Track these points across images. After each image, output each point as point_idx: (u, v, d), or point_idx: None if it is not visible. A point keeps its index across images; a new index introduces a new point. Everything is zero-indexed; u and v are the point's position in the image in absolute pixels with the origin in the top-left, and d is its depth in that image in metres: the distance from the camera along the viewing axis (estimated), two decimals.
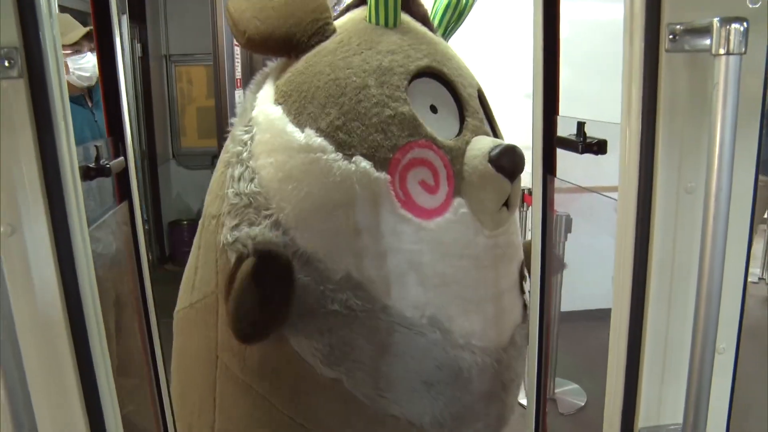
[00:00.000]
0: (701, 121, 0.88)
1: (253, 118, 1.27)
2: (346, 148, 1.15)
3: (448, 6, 1.45)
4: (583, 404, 3.00)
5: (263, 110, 1.26)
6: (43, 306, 0.79)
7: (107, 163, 0.99)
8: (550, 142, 1.18)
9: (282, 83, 1.26)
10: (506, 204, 1.24)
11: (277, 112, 1.22)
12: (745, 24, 0.74)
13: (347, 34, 1.28)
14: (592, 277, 2.76)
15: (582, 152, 1.03)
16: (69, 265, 0.79)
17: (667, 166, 0.88)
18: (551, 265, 1.28)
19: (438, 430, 1.27)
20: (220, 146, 3.26)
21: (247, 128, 1.28)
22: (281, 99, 1.24)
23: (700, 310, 0.83)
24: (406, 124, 1.17)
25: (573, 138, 1.07)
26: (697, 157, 0.89)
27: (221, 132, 3.14)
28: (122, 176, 1.09)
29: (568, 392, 3.00)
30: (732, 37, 0.74)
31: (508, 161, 1.18)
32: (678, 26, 0.82)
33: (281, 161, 1.19)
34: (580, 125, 1.06)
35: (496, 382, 1.33)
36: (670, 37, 0.82)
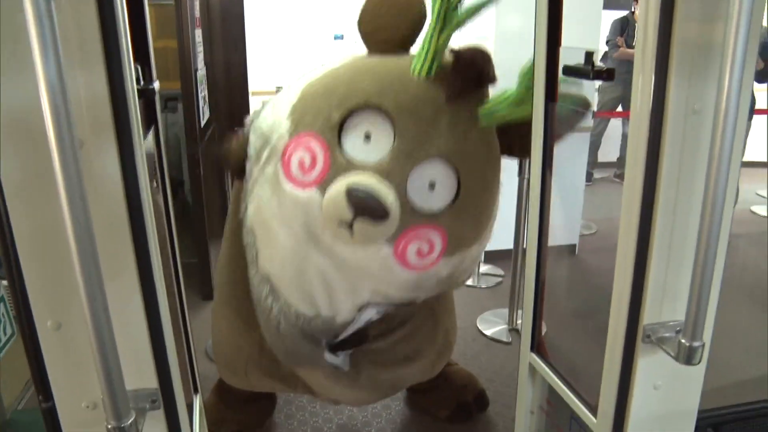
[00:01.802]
0: (710, 48, 0.97)
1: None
2: (293, 111, 1.60)
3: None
4: (542, 334, 3.21)
5: (292, 86, 1.71)
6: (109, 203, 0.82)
7: (151, 86, 1.01)
8: (553, 70, 1.26)
9: (309, 78, 1.71)
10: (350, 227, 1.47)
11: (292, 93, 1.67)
12: None
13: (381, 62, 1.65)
14: (555, 215, 2.94)
15: (592, 79, 1.12)
16: (132, 178, 0.83)
17: (677, 89, 0.98)
18: (549, 192, 1.37)
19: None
20: (184, 87, 3.17)
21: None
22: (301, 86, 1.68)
23: (706, 214, 0.94)
24: (325, 124, 1.53)
25: (582, 66, 1.14)
26: (704, 82, 0.99)
27: (185, 73, 3.07)
28: (149, 102, 1.10)
29: None
30: None
31: (356, 197, 1.44)
32: None
33: None
34: (588, 54, 1.13)
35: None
36: None
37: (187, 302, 1.39)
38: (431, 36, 1.52)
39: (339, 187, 1.46)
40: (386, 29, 1.66)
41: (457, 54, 1.49)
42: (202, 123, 3.27)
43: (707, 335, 1.05)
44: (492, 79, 1.54)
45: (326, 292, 1.65)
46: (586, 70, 1.12)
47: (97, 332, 0.77)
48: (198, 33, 3.30)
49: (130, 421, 0.81)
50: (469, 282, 3.70)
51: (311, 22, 4.48)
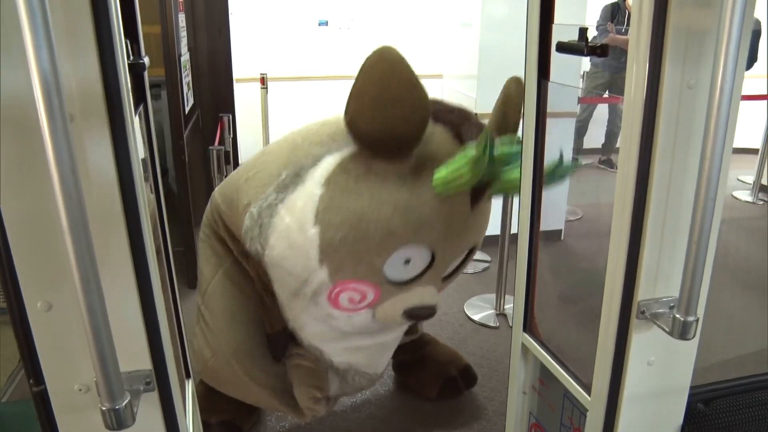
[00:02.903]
0: (704, 25, 0.97)
1: (290, 210, 1.59)
2: (325, 257, 1.57)
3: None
4: None
5: (300, 220, 1.56)
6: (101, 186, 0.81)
7: (141, 60, 0.98)
8: (546, 48, 1.25)
9: (321, 209, 1.54)
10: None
11: (312, 233, 1.56)
12: None
13: (399, 176, 1.54)
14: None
15: (586, 55, 1.11)
16: (124, 149, 0.81)
17: (673, 64, 0.98)
18: (542, 174, 1.37)
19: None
20: (168, 73, 3.12)
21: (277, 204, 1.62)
22: (320, 225, 1.55)
23: (701, 190, 0.94)
24: (370, 269, 1.61)
25: (576, 42, 1.14)
26: (699, 57, 0.99)
27: (169, 59, 3.02)
28: (138, 78, 1.07)
29: None
30: None
31: (416, 315, 1.76)
32: None
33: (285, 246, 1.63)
34: (582, 31, 1.13)
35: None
36: None
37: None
38: (466, 178, 1.49)
39: (393, 311, 1.73)
40: (391, 132, 1.43)
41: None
42: (187, 110, 3.22)
43: (700, 310, 1.06)
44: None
45: (392, 348, 2.13)
46: (580, 46, 1.11)
47: (90, 313, 0.75)
48: (181, 17, 3.25)
49: (124, 402, 0.80)
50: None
51: (295, 7, 4.43)
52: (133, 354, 0.90)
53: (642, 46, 0.98)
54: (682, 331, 1.00)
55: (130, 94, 0.84)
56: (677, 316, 1.00)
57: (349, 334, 1.87)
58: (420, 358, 2.49)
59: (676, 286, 1.06)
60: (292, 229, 1.56)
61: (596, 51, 1.10)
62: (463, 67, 3.90)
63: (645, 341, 1.11)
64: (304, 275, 1.63)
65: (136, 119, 1.08)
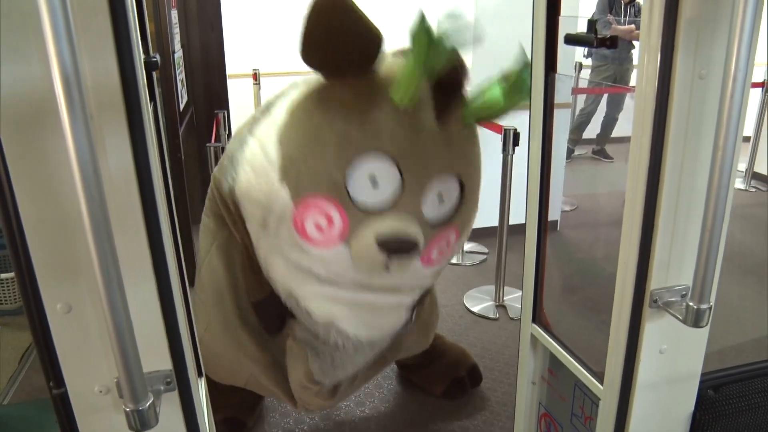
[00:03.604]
0: (715, 15, 0.98)
1: (258, 138, 1.64)
2: (285, 175, 1.54)
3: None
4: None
5: (263, 143, 1.62)
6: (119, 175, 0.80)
7: (154, 57, 0.97)
8: (552, 40, 1.26)
9: (283, 130, 1.59)
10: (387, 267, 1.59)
11: (273, 153, 1.58)
12: None
13: (356, 92, 1.54)
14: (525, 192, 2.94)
15: (596, 47, 1.11)
16: (143, 150, 0.80)
17: (684, 54, 0.98)
18: (550, 165, 1.38)
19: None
20: (162, 70, 3.09)
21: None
22: (280, 145, 1.58)
23: (714, 178, 0.95)
24: (332, 185, 1.52)
25: (585, 35, 1.14)
26: (710, 47, 0.99)
27: (163, 56, 3.00)
28: (149, 76, 1.06)
29: (516, 299, 3.24)
30: None
31: (391, 246, 1.54)
32: None
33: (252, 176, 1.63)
34: (591, 23, 1.13)
35: (367, 356, 1.96)
36: None
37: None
38: (414, 69, 1.46)
39: (366, 240, 1.54)
40: (344, 53, 1.49)
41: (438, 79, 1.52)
42: (181, 107, 3.20)
43: (713, 298, 1.07)
44: (467, 81, 1.61)
45: (384, 316, 1.87)
46: (590, 38, 1.11)
47: (113, 314, 0.75)
48: (174, 14, 3.23)
49: (148, 403, 0.80)
50: (454, 260, 3.72)
51: (288, 2, 4.40)
52: (154, 354, 0.89)
53: (653, 37, 0.98)
54: (695, 319, 1.01)
55: (146, 90, 0.83)
56: (690, 304, 1.01)
57: (325, 280, 1.71)
58: (427, 356, 2.46)
59: (688, 275, 1.08)
60: (256, 153, 1.62)
61: (606, 42, 1.10)
62: None
63: (657, 330, 1.12)
64: (267, 201, 1.60)
65: (152, 123, 1.08)
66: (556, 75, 1.27)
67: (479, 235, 3.90)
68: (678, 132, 1.02)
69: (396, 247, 1.54)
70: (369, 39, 1.47)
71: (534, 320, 1.48)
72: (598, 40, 1.10)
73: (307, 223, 1.56)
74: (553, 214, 3.99)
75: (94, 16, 0.74)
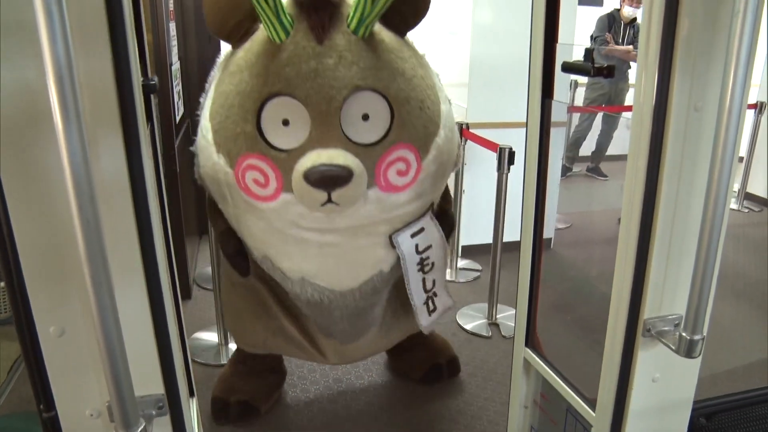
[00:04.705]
0: (712, 46, 0.99)
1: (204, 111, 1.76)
2: (218, 147, 1.65)
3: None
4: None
5: (203, 126, 1.74)
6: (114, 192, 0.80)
7: (152, 80, 0.97)
8: (549, 67, 1.27)
9: (210, 107, 1.72)
10: (330, 200, 1.56)
11: (207, 129, 1.71)
12: None
13: (247, 49, 1.64)
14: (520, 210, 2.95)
15: (593, 75, 1.12)
16: (139, 171, 0.81)
17: (680, 87, 0.99)
18: (545, 188, 1.38)
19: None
20: (159, 84, 3.10)
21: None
22: (210, 122, 1.70)
23: (708, 211, 0.96)
24: (248, 139, 1.59)
25: (582, 63, 1.15)
26: (706, 80, 1.00)
27: (161, 68, 3.00)
28: (146, 98, 1.07)
29: (510, 317, 3.23)
30: None
31: (315, 178, 1.52)
32: None
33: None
34: (588, 51, 1.14)
35: (351, 310, 1.95)
36: None
37: None
38: (364, 2, 1.52)
39: (297, 180, 1.55)
40: (224, 23, 1.66)
41: (300, 1, 1.57)
42: (177, 119, 3.20)
43: (706, 328, 1.07)
44: None
45: (358, 261, 1.83)
46: (587, 67, 1.12)
47: (105, 338, 0.74)
48: (172, 26, 3.23)
49: (140, 429, 0.79)
50: (447, 276, 3.72)
51: None
52: (146, 378, 0.89)
53: (650, 69, 0.99)
54: (688, 350, 1.02)
55: (144, 115, 0.83)
56: (683, 334, 1.01)
57: (287, 233, 1.74)
58: (413, 343, 2.55)
59: (682, 304, 1.08)
60: (199, 139, 1.75)
61: (603, 72, 1.11)
62: (453, 76, 3.92)
63: (650, 359, 1.12)
64: (216, 175, 1.69)
65: (149, 147, 1.08)
66: (553, 101, 1.28)
67: (472, 252, 3.90)
68: (673, 162, 1.03)
69: (322, 177, 1.52)
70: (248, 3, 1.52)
71: (527, 344, 1.48)
72: (595, 69, 1.11)
73: (248, 182, 1.62)
74: (547, 232, 4.00)
75: (93, 39, 0.74)
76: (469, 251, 3.92)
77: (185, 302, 3.17)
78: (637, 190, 1.05)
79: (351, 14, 1.56)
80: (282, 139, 1.58)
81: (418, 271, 1.90)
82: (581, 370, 1.39)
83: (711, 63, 0.99)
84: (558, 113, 4.20)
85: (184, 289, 3.25)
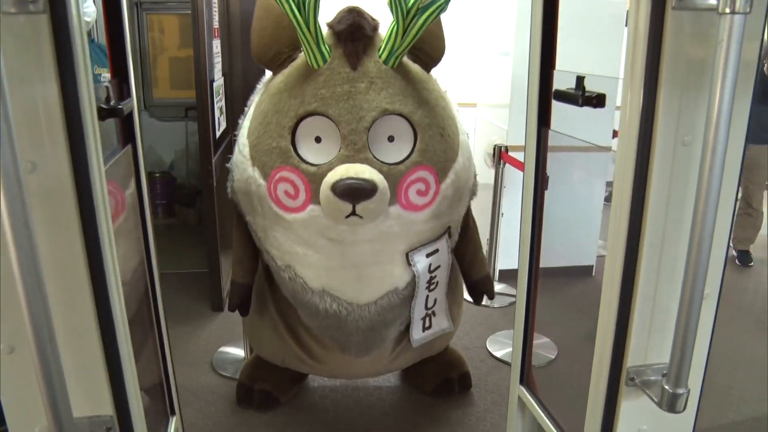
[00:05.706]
0: (700, 78, 0.92)
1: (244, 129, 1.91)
2: (253, 160, 1.79)
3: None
4: (554, 357, 3.12)
5: (240, 143, 1.89)
6: (64, 239, 0.80)
7: (119, 104, 0.99)
8: (547, 95, 1.22)
9: (249, 125, 1.87)
10: (354, 212, 1.66)
11: (244, 146, 1.86)
12: None
13: (286, 74, 1.79)
14: (560, 235, 2.81)
15: (582, 105, 1.07)
16: (88, 200, 0.81)
17: (666, 120, 0.93)
18: (542, 220, 1.32)
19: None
20: (199, 97, 3.18)
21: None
22: (248, 138, 1.85)
23: (692, 255, 0.89)
24: (282, 153, 1.72)
25: (572, 91, 1.10)
26: (695, 113, 0.93)
27: (200, 83, 3.09)
28: (126, 119, 1.08)
29: (540, 345, 3.11)
30: None
31: (342, 190, 1.62)
32: None
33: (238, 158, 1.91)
34: (580, 79, 1.09)
35: (366, 323, 1.97)
36: None
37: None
38: (395, 36, 1.67)
39: (325, 192, 1.66)
40: (267, 52, 1.84)
41: (338, 32, 1.72)
42: (218, 134, 3.28)
43: (695, 381, 0.99)
44: (370, 25, 1.74)
45: (376, 276, 1.89)
46: (576, 96, 1.07)
47: (41, 357, 0.75)
48: (216, 43, 3.32)
49: None
50: (484, 302, 3.63)
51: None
52: (92, 398, 0.89)
53: (635, 104, 0.93)
54: (670, 404, 0.94)
55: (99, 140, 0.84)
56: (666, 387, 0.94)
57: (311, 244, 1.83)
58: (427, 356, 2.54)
59: (669, 352, 1.00)
60: (236, 154, 1.90)
61: (592, 101, 1.05)
62: (496, 97, 3.86)
63: (635, 410, 1.04)
64: (248, 188, 1.82)
65: (124, 157, 1.09)
66: (549, 131, 1.22)
67: (509, 276, 3.80)
68: (659, 200, 0.96)
69: (348, 189, 1.63)
70: (292, 32, 1.69)
71: (521, 382, 1.41)
72: (584, 98, 1.06)
73: (279, 193, 1.74)
74: (589, 259, 3.85)
75: (39, 64, 0.76)
76: (506, 275, 3.81)
77: (216, 315, 3.22)
78: (620, 230, 0.99)
79: (383, 46, 1.72)
80: (313, 154, 1.72)
81: (425, 288, 1.99)
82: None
83: (700, 96, 0.92)
84: (605, 136, 4.02)
85: (217, 302, 3.31)
